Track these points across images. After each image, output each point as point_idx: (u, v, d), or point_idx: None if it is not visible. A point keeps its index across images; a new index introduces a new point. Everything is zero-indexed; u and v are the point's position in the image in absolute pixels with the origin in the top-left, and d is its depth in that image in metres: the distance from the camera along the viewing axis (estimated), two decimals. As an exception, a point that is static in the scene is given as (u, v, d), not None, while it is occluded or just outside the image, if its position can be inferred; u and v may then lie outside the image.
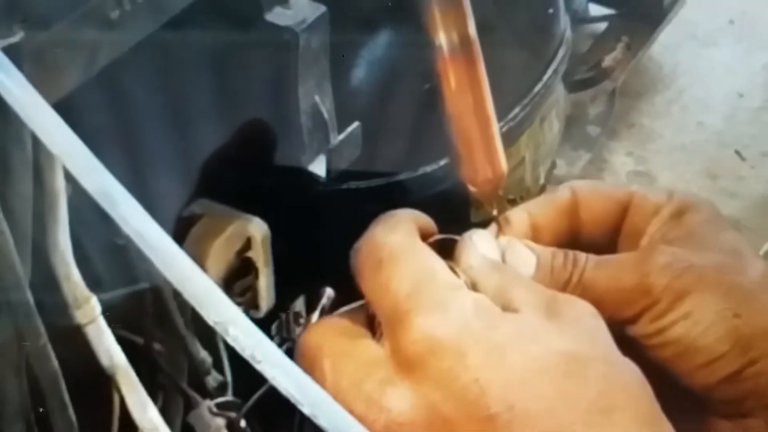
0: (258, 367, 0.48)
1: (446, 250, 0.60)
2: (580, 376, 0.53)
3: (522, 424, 0.51)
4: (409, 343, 0.54)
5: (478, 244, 0.61)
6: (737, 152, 2.30)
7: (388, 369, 0.54)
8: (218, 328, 0.48)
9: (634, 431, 0.52)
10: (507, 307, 0.56)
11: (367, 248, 0.57)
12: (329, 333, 0.57)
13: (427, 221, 0.61)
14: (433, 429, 0.52)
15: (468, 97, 0.81)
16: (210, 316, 0.48)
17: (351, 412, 0.52)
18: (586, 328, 0.55)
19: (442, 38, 0.80)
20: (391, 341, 0.55)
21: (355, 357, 0.55)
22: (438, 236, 0.61)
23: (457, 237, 0.62)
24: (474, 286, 0.58)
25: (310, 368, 0.55)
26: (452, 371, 0.52)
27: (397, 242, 0.57)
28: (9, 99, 0.51)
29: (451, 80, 0.80)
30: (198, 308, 0.48)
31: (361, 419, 0.52)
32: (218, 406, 0.85)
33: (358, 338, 0.56)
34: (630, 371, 0.54)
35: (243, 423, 0.86)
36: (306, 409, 0.47)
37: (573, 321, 0.55)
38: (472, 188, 0.78)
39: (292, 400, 0.47)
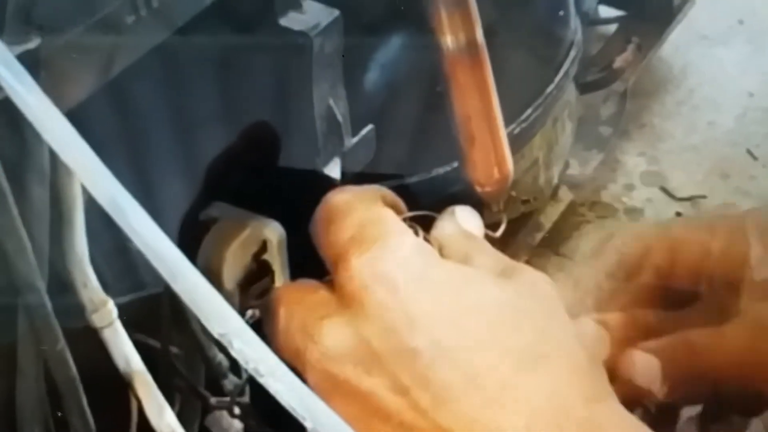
0: (262, 381, 0.48)
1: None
2: (515, 324, 0.52)
3: (447, 361, 0.51)
4: (347, 279, 0.54)
5: (460, 217, 0.61)
6: (749, 151, 2.30)
7: (331, 306, 0.55)
8: (223, 341, 0.48)
9: (566, 378, 0.51)
10: None
11: (319, 210, 0.58)
12: (289, 287, 0.60)
13: (393, 198, 0.61)
14: (362, 361, 0.52)
15: (475, 99, 0.82)
16: (215, 329, 0.48)
17: (293, 349, 0.53)
18: (534, 289, 0.55)
19: (449, 41, 0.80)
20: (334, 282, 0.55)
21: (304, 301, 0.56)
22: (413, 212, 0.61)
23: (435, 214, 0.62)
24: (441, 249, 0.58)
25: (270, 318, 0.57)
26: (383, 304, 0.52)
27: (344, 198, 0.58)
28: (23, 107, 0.51)
29: (458, 83, 0.81)
30: (203, 320, 0.49)
31: (297, 353, 0.53)
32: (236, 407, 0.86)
33: (313, 288, 0.57)
34: (569, 332, 0.54)
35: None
36: (309, 424, 0.47)
37: (524, 283, 0.55)
38: (479, 189, 0.78)
39: (295, 415, 0.48)
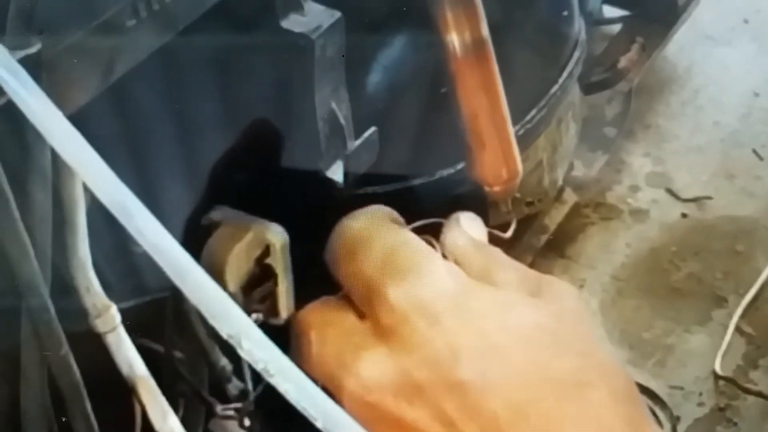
0: (271, 380, 0.48)
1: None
2: (556, 350, 0.52)
3: (492, 392, 0.51)
4: (384, 311, 0.54)
5: (465, 225, 0.60)
6: (754, 151, 2.29)
7: (367, 336, 0.54)
8: (232, 341, 0.48)
9: (610, 407, 0.51)
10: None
11: (336, 241, 0.58)
12: (318, 309, 0.59)
13: (397, 216, 0.61)
14: (403, 393, 0.52)
15: (482, 97, 0.81)
16: (223, 329, 0.48)
17: (329, 377, 0.53)
18: (568, 308, 0.55)
19: (455, 40, 0.80)
20: (370, 313, 0.55)
21: (337, 325, 0.56)
22: (422, 222, 0.61)
23: (442, 220, 0.61)
24: (459, 265, 0.58)
25: (300, 341, 0.57)
26: (425, 335, 0.52)
27: (362, 226, 0.57)
28: (26, 110, 0.51)
29: (465, 81, 0.81)
30: (211, 321, 0.48)
31: (332, 380, 0.53)
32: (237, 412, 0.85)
33: (343, 312, 0.57)
34: (607, 352, 0.54)
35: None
36: (319, 424, 0.47)
37: (555, 299, 0.55)
38: (487, 189, 0.78)
39: (306, 414, 0.47)
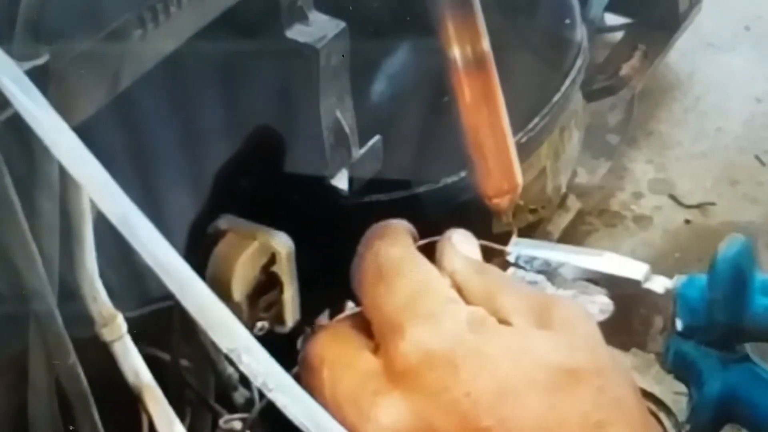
0: (270, 395, 0.48)
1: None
2: (572, 390, 0.52)
3: None
4: (401, 355, 0.53)
5: (458, 245, 0.60)
6: (757, 157, 2.30)
7: (382, 380, 0.54)
8: (232, 356, 0.48)
9: None
10: (496, 313, 0.56)
11: (369, 262, 0.57)
12: (331, 342, 0.58)
13: (413, 230, 0.61)
14: None
15: (482, 110, 0.82)
16: (223, 343, 0.48)
17: (344, 421, 0.52)
18: (580, 336, 0.55)
19: (457, 52, 0.80)
20: (385, 353, 0.55)
21: (352, 367, 0.55)
22: (424, 241, 0.61)
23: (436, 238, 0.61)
24: (460, 290, 0.58)
25: (311, 375, 0.56)
26: (444, 383, 0.52)
27: (397, 255, 0.57)
28: (32, 122, 0.51)
29: (466, 93, 0.81)
30: (212, 335, 0.49)
31: (352, 429, 0.52)
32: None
33: (357, 349, 0.56)
34: (624, 382, 0.54)
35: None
36: None
37: (565, 328, 0.55)
38: (488, 201, 0.78)
39: (303, 429, 0.48)
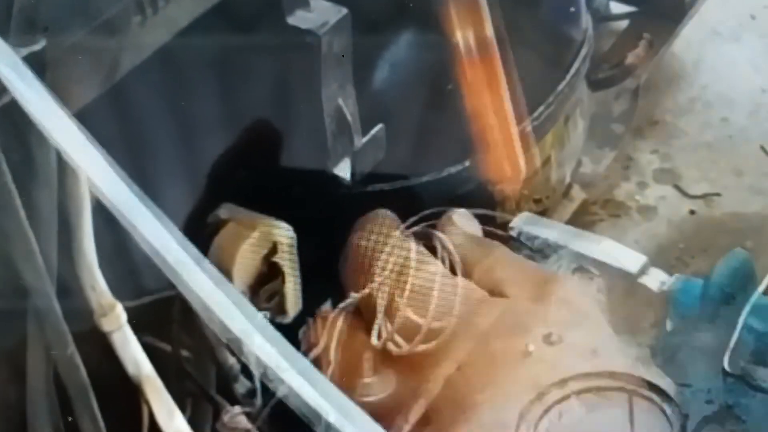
0: (270, 385, 0.48)
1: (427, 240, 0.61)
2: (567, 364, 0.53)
3: (499, 409, 0.51)
4: (394, 334, 0.54)
5: (459, 223, 0.61)
6: (762, 148, 2.28)
7: (377, 358, 0.55)
8: (232, 345, 0.48)
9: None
10: (495, 288, 0.56)
11: (350, 256, 0.59)
12: (333, 327, 0.62)
13: (395, 218, 0.62)
14: (412, 414, 0.53)
15: (486, 96, 0.81)
16: (223, 333, 0.48)
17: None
18: (577, 311, 0.55)
19: (460, 39, 0.80)
20: (381, 335, 0.56)
21: (350, 348, 0.56)
22: (418, 226, 0.61)
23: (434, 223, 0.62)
24: (454, 266, 0.58)
25: (319, 358, 0.60)
26: (435, 358, 0.53)
27: (375, 242, 0.59)
28: (28, 108, 0.51)
29: (469, 80, 0.81)
30: (211, 325, 0.48)
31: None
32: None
33: (355, 331, 0.58)
34: (619, 362, 0.54)
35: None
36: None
37: (561, 304, 0.55)
38: (492, 187, 0.78)
39: (302, 418, 0.47)
